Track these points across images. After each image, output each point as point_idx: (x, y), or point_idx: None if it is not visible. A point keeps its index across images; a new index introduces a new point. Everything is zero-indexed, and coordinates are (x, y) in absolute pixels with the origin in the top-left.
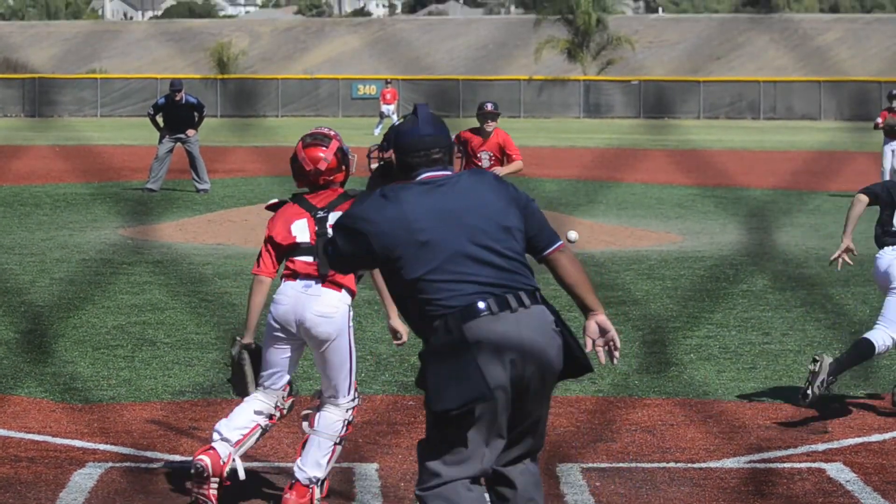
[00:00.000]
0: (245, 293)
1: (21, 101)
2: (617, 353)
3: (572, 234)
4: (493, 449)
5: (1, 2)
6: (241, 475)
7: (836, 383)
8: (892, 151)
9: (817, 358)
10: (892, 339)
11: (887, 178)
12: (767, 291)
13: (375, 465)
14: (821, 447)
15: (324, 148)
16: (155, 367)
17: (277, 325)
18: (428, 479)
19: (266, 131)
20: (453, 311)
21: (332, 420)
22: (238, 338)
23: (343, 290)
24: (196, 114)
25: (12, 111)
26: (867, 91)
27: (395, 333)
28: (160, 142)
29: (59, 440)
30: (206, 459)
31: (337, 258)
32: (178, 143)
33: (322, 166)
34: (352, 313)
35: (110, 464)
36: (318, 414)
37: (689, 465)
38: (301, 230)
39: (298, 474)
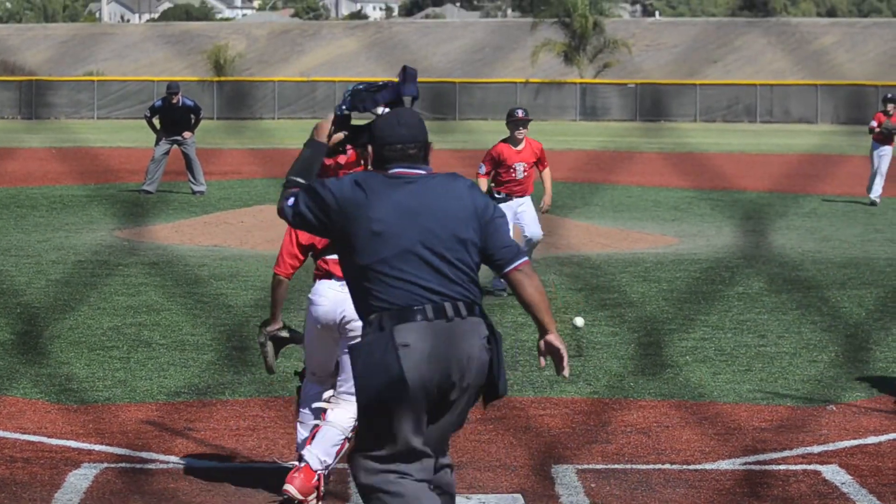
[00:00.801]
0: (240, 294)
1: (18, 103)
2: (565, 367)
3: (579, 321)
4: (413, 439)
5: None
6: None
7: None
8: (881, 157)
9: None
10: None
11: (877, 181)
12: (763, 294)
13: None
14: (816, 449)
15: None
16: (150, 368)
17: (318, 326)
18: (365, 474)
19: (262, 133)
20: (390, 309)
21: (346, 415)
22: (264, 326)
23: None
24: (193, 116)
25: (9, 113)
26: (864, 94)
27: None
28: (157, 144)
29: (54, 441)
30: (290, 487)
31: (297, 212)
32: (175, 146)
33: (342, 160)
34: None
35: (105, 464)
36: (331, 408)
37: (685, 466)
38: None
39: (309, 457)
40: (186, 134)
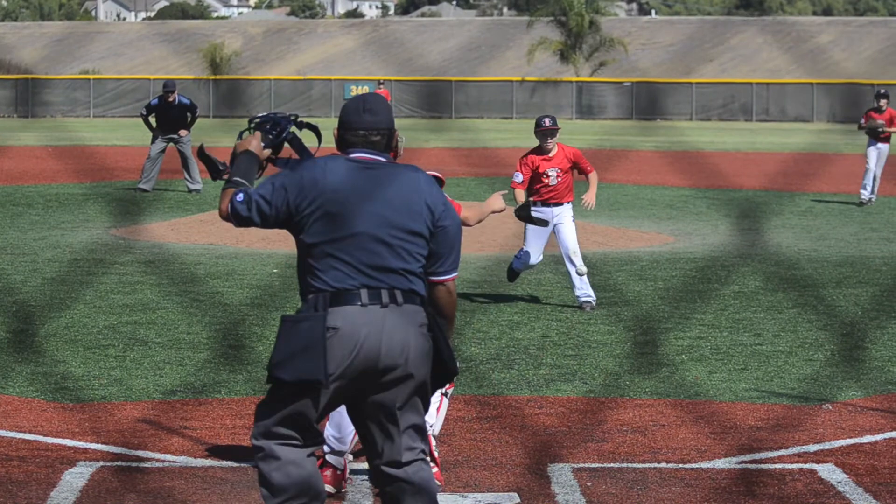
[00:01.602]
0: (236, 293)
1: (14, 102)
2: (449, 388)
3: (581, 269)
4: (309, 421)
5: None
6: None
7: None
8: (878, 152)
9: None
10: None
11: (870, 179)
12: (759, 292)
13: (366, 465)
14: (812, 448)
15: None
16: (146, 366)
17: None
18: (259, 436)
19: None
20: (327, 290)
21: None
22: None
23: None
24: (189, 114)
25: (5, 111)
26: (860, 93)
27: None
28: (153, 142)
29: (50, 439)
30: (329, 489)
31: (249, 205)
32: (171, 144)
33: None
34: None
35: (101, 463)
36: None
37: (681, 465)
38: None
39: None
40: (182, 132)
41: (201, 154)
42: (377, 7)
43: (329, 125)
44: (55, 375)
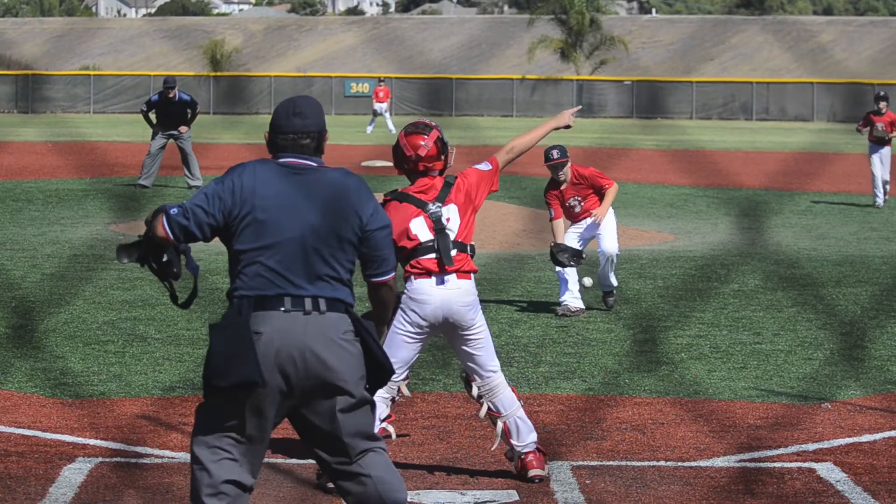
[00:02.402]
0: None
1: (14, 97)
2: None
3: (587, 281)
4: (256, 436)
5: None
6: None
7: None
8: (881, 158)
9: None
10: None
11: (879, 185)
12: (759, 291)
13: None
14: (811, 447)
15: (424, 136)
16: (145, 362)
17: (425, 324)
18: (196, 442)
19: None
20: (251, 296)
21: (510, 395)
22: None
23: (472, 276)
24: (189, 111)
25: (5, 107)
26: (860, 92)
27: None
28: (153, 138)
29: (48, 435)
30: None
31: (186, 214)
32: (171, 140)
33: (422, 153)
34: None
35: (100, 459)
36: (495, 401)
37: (680, 463)
38: (420, 228)
39: (525, 449)
40: (182, 128)
41: (126, 253)
42: (377, 4)
43: (329, 122)
44: (54, 371)
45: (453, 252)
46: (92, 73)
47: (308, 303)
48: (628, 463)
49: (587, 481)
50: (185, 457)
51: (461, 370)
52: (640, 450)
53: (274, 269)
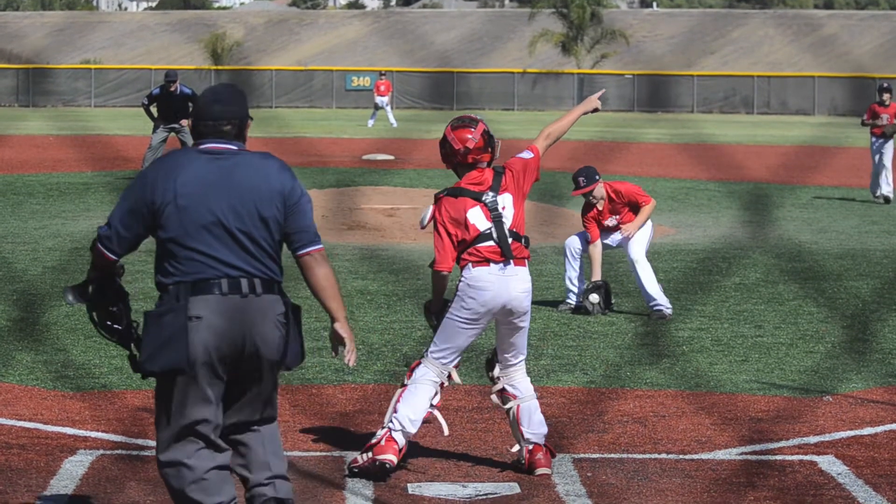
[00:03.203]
0: None
1: (15, 91)
2: (351, 357)
3: (594, 297)
4: (201, 411)
5: None
6: (446, 431)
7: None
8: (882, 152)
9: None
10: None
11: (882, 177)
12: (760, 284)
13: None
14: (813, 440)
15: (471, 129)
16: None
17: (483, 310)
18: (164, 448)
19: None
20: (186, 281)
21: (528, 383)
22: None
23: (527, 263)
24: (190, 104)
25: (6, 100)
26: (862, 86)
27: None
28: (154, 131)
29: (50, 427)
30: (393, 459)
31: (114, 222)
32: (172, 133)
33: (470, 145)
34: None
35: (102, 451)
36: (513, 384)
37: (681, 456)
38: (478, 218)
39: (535, 438)
40: (184, 122)
41: (74, 292)
42: None
43: (330, 115)
44: (56, 363)
45: (509, 240)
46: (93, 66)
47: (244, 284)
48: (630, 455)
49: (589, 474)
50: None
51: (488, 351)
52: (641, 442)
53: (205, 253)
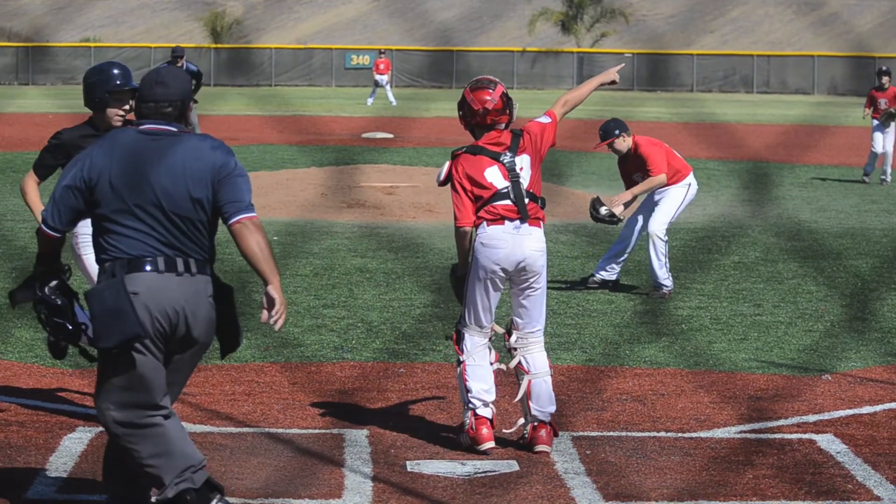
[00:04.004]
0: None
1: (14, 69)
2: (280, 321)
3: (603, 210)
4: (159, 382)
5: None
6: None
7: None
8: (884, 135)
9: None
10: None
11: (886, 161)
12: (759, 263)
13: (366, 431)
14: (812, 418)
15: (490, 90)
16: None
17: (496, 268)
18: (106, 407)
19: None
20: (122, 258)
21: (543, 358)
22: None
23: (542, 224)
24: (194, 81)
25: (6, 78)
26: (861, 65)
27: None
28: None
29: (49, 404)
30: (491, 443)
31: (56, 200)
32: None
33: (489, 106)
34: None
35: (100, 428)
36: (528, 357)
37: (680, 434)
38: (495, 177)
39: (541, 416)
40: None
41: (19, 294)
42: None
43: (329, 94)
44: None
45: (526, 200)
46: (92, 45)
47: (180, 264)
48: (629, 434)
49: (587, 452)
50: (185, 427)
51: (506, 322)
52: (640, 420)
53: (141, 231)
